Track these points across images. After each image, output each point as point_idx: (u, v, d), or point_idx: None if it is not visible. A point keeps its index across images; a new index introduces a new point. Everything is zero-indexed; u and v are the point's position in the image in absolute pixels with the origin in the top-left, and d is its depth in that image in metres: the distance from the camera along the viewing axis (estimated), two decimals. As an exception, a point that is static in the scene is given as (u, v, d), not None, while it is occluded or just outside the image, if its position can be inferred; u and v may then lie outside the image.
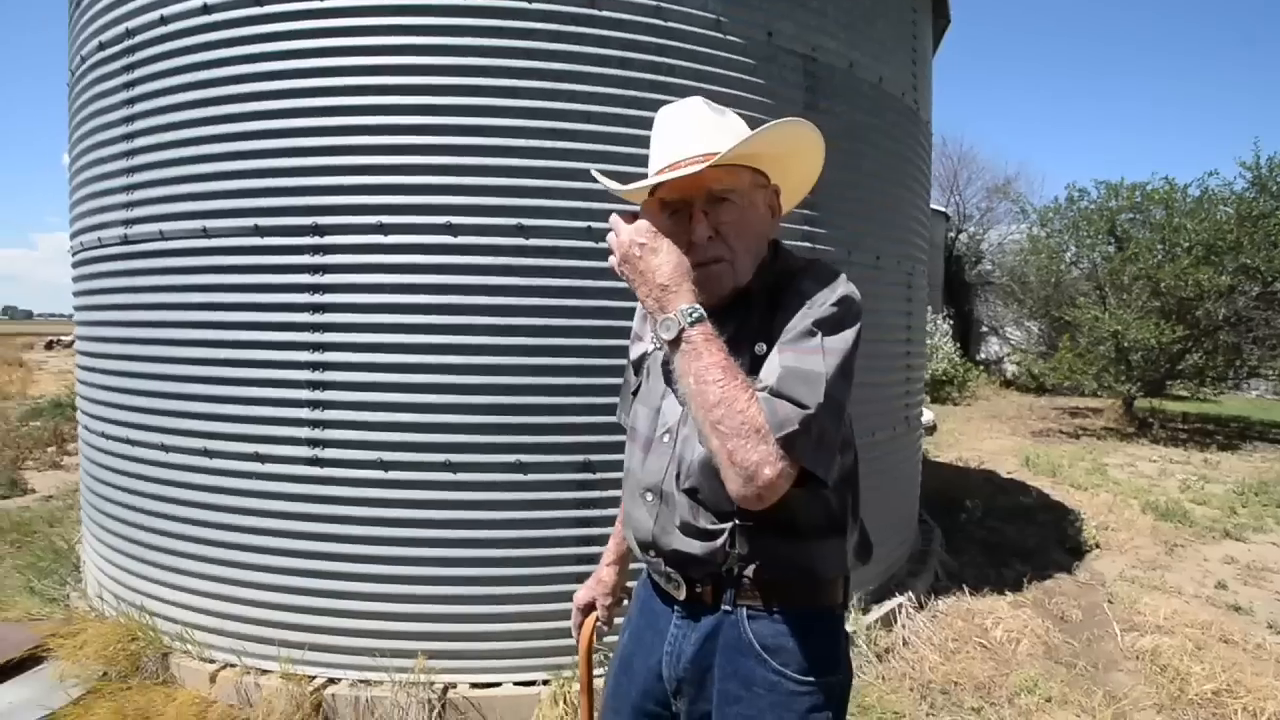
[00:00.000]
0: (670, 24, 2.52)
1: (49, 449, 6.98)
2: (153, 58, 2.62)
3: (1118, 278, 9.80)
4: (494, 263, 2.39)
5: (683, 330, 0.94)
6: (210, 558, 2.55)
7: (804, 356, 0.96)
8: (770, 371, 0.96)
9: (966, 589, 3.59)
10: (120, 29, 2.74)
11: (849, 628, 2.93)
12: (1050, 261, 10.82)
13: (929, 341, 11.93)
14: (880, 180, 3.28)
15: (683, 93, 2.52)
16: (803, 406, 0.93)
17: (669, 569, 1.09)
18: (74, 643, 2.67)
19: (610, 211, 1.12)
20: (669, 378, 1.12)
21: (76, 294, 3.19)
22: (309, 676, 2.42)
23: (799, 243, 2.85)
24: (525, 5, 2.38)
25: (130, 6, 2.70)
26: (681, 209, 1.07)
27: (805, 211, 2.87)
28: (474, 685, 2.42)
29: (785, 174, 1.15)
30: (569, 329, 2.42)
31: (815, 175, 1.21)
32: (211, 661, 2.54)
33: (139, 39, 2.67)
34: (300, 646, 2.45)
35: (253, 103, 2.43)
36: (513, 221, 2.39)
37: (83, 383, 3.15)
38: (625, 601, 1.33)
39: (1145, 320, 9.06)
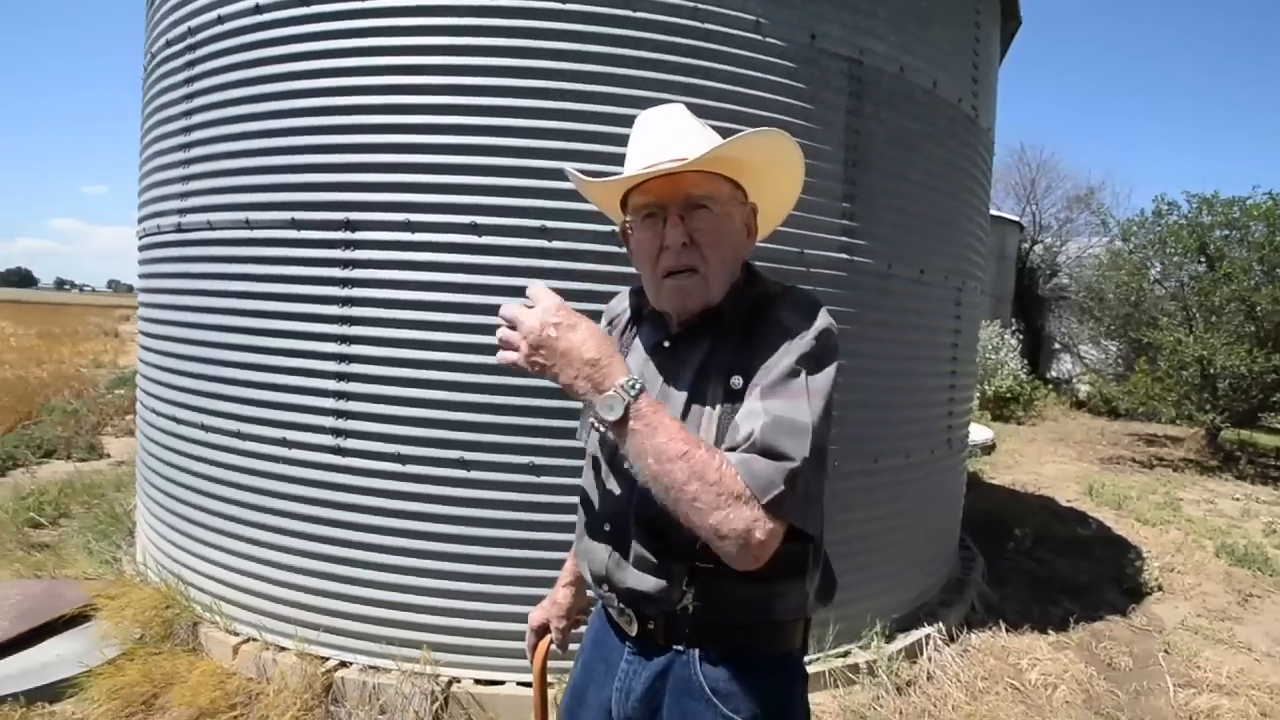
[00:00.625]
0: (707, 25, 2.46)
1: (127, 416, 7.47)
2: (209, 55, 2.75)
3: (1207, 299, 9.07)
4: (517, 263, 2.39)
5: (629, 406, 0.87)
6: (239, 535, 2.66)
7: (789, 403, 0.91)
8: (753, 417, 0.91)
9: (1004, 624, 3.39)
10: (184, 28, 2.88)
11: (868, 656, 2.81)
12: (1131, 279, 10.12)
13: (993, 357, 11.38)
14: (929, 190, 3.13)
15: (719, 97, 2.49)
16: (788, 459, 0.88)
17: (622, 604, 1.04)
18: (118, 604, 2.83)
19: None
20: (611, 458, 1.07)
21: (140, 276, 3.38)
22: (322, 658, 2.50)
23: (835, 254, 2.74)
24: (559, 5, 2.36)
25: (193, 6, 2.84)
26: (656, 213, 1.03)
27: (843, 221, 2.76)
28: (477, 681, 2.45)
29: (762, 193, 1.10)
30: (588, 333, 2.40)
31: (794, 197, 1.16)
32: (236, 634, 2.65)
33: (199, 37, 2.80)
34: (315, 628, 2.53)
35: (293, 100, 2.51)
36: (536, 223, 2.39)
37: (142, 361, 3.34)
38: (582, 626, 1.30)
39: (1236, 346, 8.36)
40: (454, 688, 2.42)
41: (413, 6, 2.39)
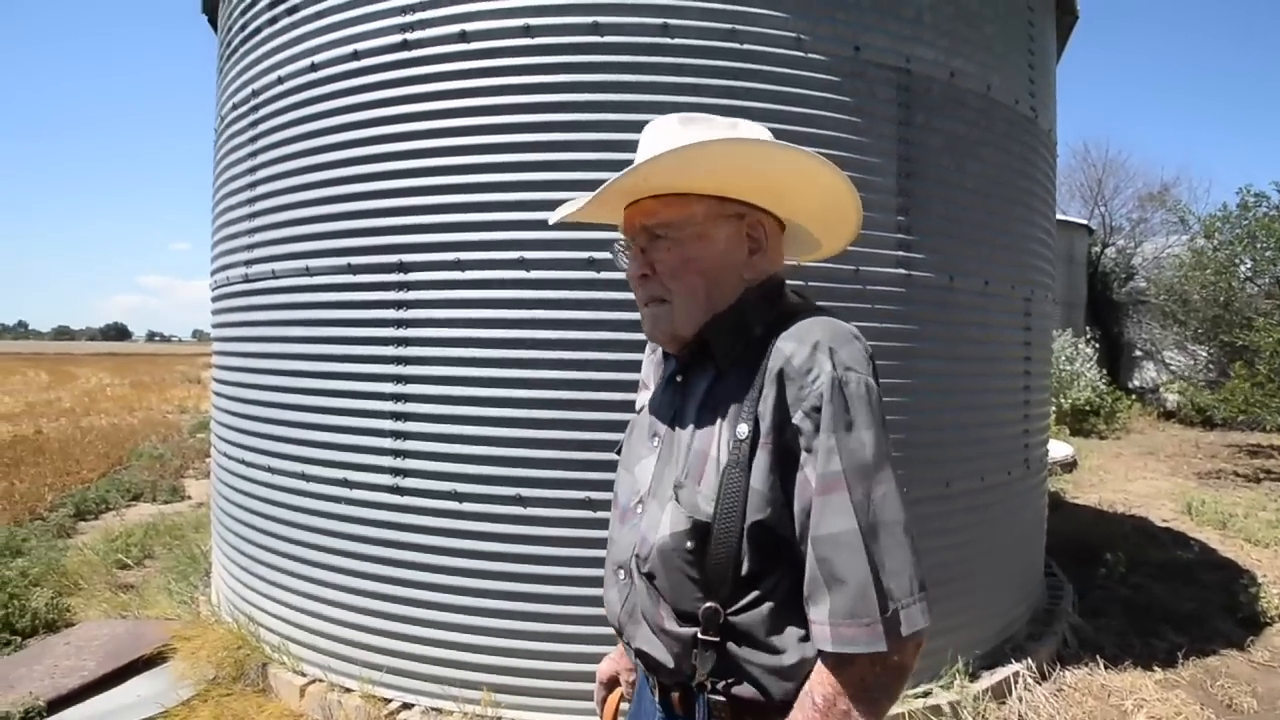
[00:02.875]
0: (746, 46, 2.43)
1: (206, 459, 7.85)
2: (271, 114, 2.89)
3: (1309, 295, 8.39)
4: (565, 296, 2.39)
5: None
6: (305, 575, 2.70)
7: (829, 517, 0.80)
8: (814, 587, 0.81)
9: (1102, 660, 3.11)
10: (248, 90, 3.04)
11: (950, 696, 2.61)
12: (1219, 277, 9.48)
13: (1069, 368, 10.77)
14: (989, 197, 2.98)
15: (762, 117, 2.43)
16: (852, 588, 0.79)
17: (638, 661, 0.97)
18: (193, 645, 2.92)
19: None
20: (627, 502, 1.00)
21: (214, 326, 3.55)
22: (385, 699, 2.49)
23: (892, 269, 2.63)
24: (596, 39, 2.38)
25: (257, 69, 3.00)
26: (632, 242, 0.99)
27: (898, 235, 2.65)
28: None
29: (783, 200, 0.97)
30: (639, 364, 2.35)
31: (841, 199, 0.97)
32: (303, 675, 2.68)
33: (261, 98, 2.95)
34: (379, 668, 2.53)
35: (346, 150, 2.61)
36: (583, 255, 2.38)
37: (215, 406, 3.49)
38: None
39: (1346, 345, 7.67)
40: (517, 731, 2.36)
41: (455, 53, 2.45)
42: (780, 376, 0.84)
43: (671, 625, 0.90)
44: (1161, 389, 13.73)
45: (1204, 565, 4.67)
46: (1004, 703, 2.71)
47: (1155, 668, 3.15)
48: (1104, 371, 11.73)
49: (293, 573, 2.74)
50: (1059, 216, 5.09)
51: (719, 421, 0.89)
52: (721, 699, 0.88)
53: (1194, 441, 10.61)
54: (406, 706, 2.48)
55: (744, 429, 0.85)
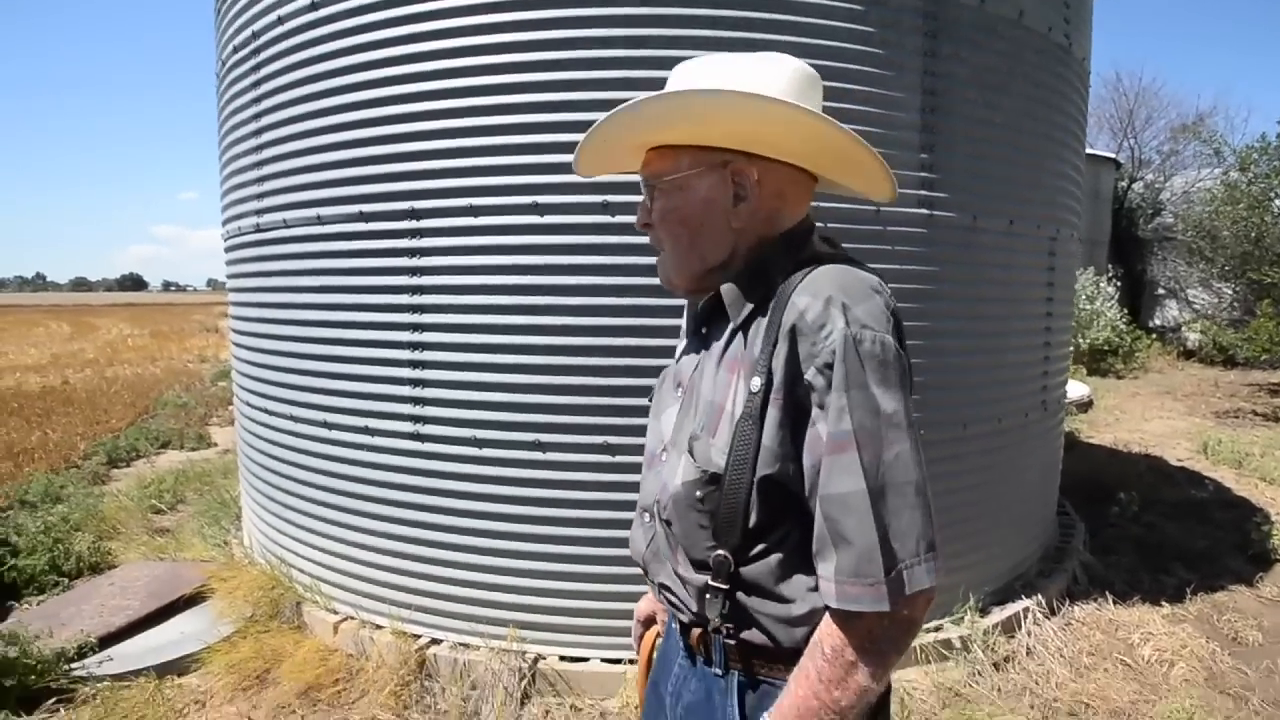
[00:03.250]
0: (765, -26, 2.30)
1: (229, 407, 8.01)
2: (272, 57, 2.81)
3: (1343, 230, 8.11)
4: (580, 241, 2.36)
5: None
6: (332, 519, 2.79)
7: (836, 477, 0.80)
8: (820, 541, 0.82)
9: (1111, 596, 3.17)
10: (248, 32, 2.95)
11: (961, 631, 2.69)
12: (1251, 213, 9.15)
13: (1089, 307, 10.59)
14: (1017, 133, 2.87)
15: (779, 49, 2.32)
16: (854, 548, 0.79)
17: (662, 598, 1.01)
18: (230, 585, 3.05)
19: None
20: (653, 449, 1.02)
21: (228, 276, 3.56)
22: (415, 635, 2.60)
23: (913, 209, 2.56)
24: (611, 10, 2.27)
25: (256, 9, 2.90)
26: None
27: (921, 174, 2.57)
28: (562, 658, 2.49)
29: (780, 149, 0.92)
30: (655, 308, 2.34)
31: (834, 139, 0.90)
32: (335, 613, 2.80)
33: (262, 40, 2.86)
34: (408, 607, 2.63)
35: (353, 93, 2.54)
36: (598, 199, 2.33)
37: (235, 357, 3.54)
38: None
39: (1379, 281, 7.46)
40: (540, 664, 2.47)
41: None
42: (793, 331, 0.83)
43: (685, 570, 0.93)
44: (1184, 328, 13.51)
45: (1217, 504, 4.69)
46: (1013, 637, 2.79)
47: (1163, 603, 3.21)
48: (1124, 311, 11.54)
49: (321, 517, 2.83)
50: (1086, 150, 4.89)
51: (734, 374, 0.89)
52: (732, 643, 0.91)
53: (1213, 380, 10.50)
54: (435, 642, 2.59)
55: (757, 382, 0.85)
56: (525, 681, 2.42)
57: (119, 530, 3.99)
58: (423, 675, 2.50)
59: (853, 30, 2.40)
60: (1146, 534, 4.07)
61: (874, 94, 2.44)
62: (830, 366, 0.80)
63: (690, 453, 0.90)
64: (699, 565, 0.91)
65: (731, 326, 0.92)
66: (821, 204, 2.40)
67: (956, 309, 2.71)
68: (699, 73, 0.93)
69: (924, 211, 2.59)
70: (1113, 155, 15.74)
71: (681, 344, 1.10)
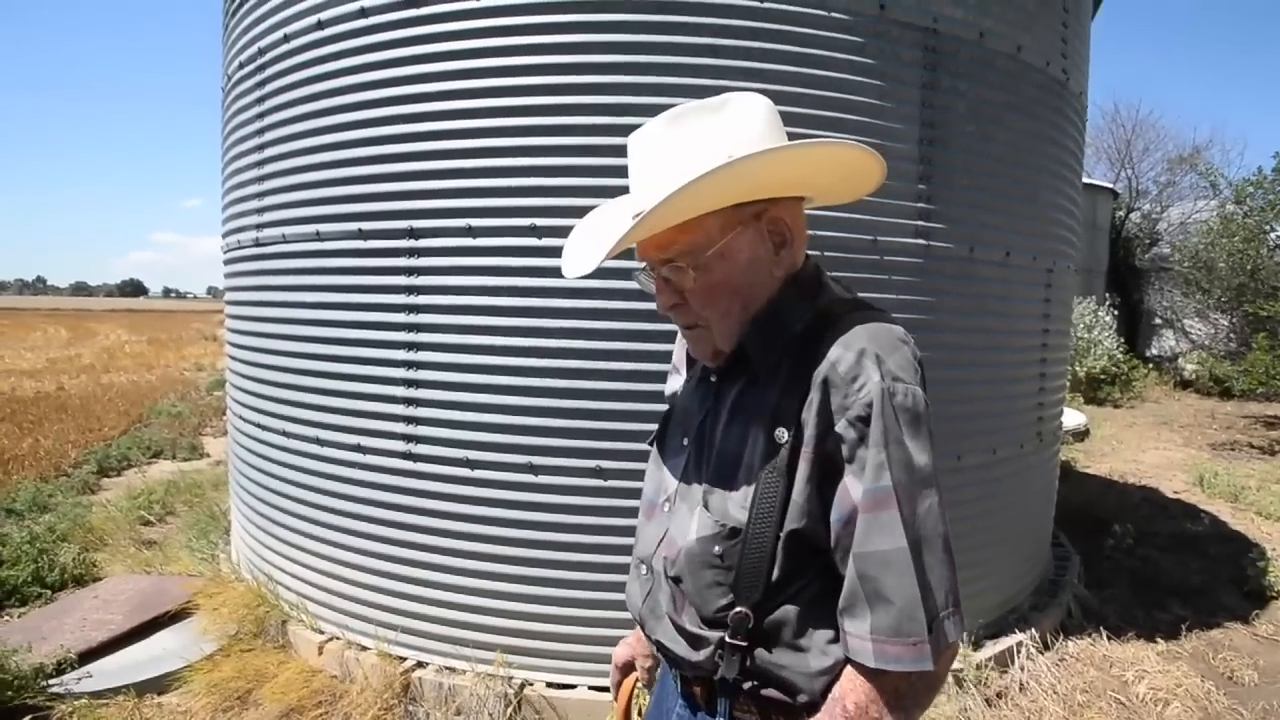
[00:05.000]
0: (766, 4, 2.33)
1: (224, 417, 7.98)
2: (278, 74, 2.83)
3: (1338, 265, 8.17)
4: (577, 265, 2.35)
5: None
6: (321, 537, 2.76)
7: (874, 536, 0.78)
8: (852, 595, 0.80)
9: (1105, 631, 3.14)
10: (254, 49, 2.98)
11: (956, 665, 2.65)
12: (1247, 245, 9.23)
13: (1087, 335, 10.62)
14: (1014, 165, 2.89)
15: (780, 80, 2.36)
16: (896, 607, 0.77)
17: (659, 654, 0.98)
18: (215, 601, 3.01)
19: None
20: (653, 498, 0.98)
21: (226, 289, 3.56)
22: (400, 658, 2.56)
23: (910, 239, 2.57)
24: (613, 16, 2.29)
25: (262, 27, 2.93)
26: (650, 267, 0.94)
27: (918, 205, 2.58)
28: (549, 685, 2.45)
29: (798, 186, 0.91)
30: (651, 334, 2.34)
31: (858, 164, 0.91)
32: (321, 633, 2.76)
33: (268, 57, 2.89)
34: (394, 628, 2.59)
35: (356, 112, 2.55)
36: (595, 223, 2.34)
37: (230, 370, 3.52)
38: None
39: (1374, 316, 7.49)
40: (526, 690, 2.43)
41: (463, 11, 2.37)
42: (825, 384, 0.81)
43: (695, 627, 0.90)
44: (1180, 358, 13.55)
45: (1213, 538, 4.67)
46: (1006, 672, 2.75)
47: (1158, 639, 3.18)
48: (1122, 340, 11.58)
49: (309, 534, 2.80)
50: (1084, 180, 4.94)
51: (753, 425, 0.87)
52: (745, 698, 0.88)
53: (1210, 411, 10.51)
54: (421, 665, 2.55)
55: (783, 433, 0.83)
56: (511, 708, 2.39)
57: (106, 541, 3.95)
58: (407, 699, 2.46)
59: (852, 62, 2.43)
60: (1141, 567, 4.05)
61: (872, 124, 2.46)
62: (863, 420, 0.79)
63: (705, 507, 0.88)
64: (712, 623, 0.88)
65: (748, 377, 0.90)
66: (819, 232, 2.41)
67: (952, 339, 2.71)
68: (680, 131, 0.87)
69: (921, 242, 2.60)
70: (1110, 185, 15.88)
71: (677, 380, 1.08)
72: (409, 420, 2.53)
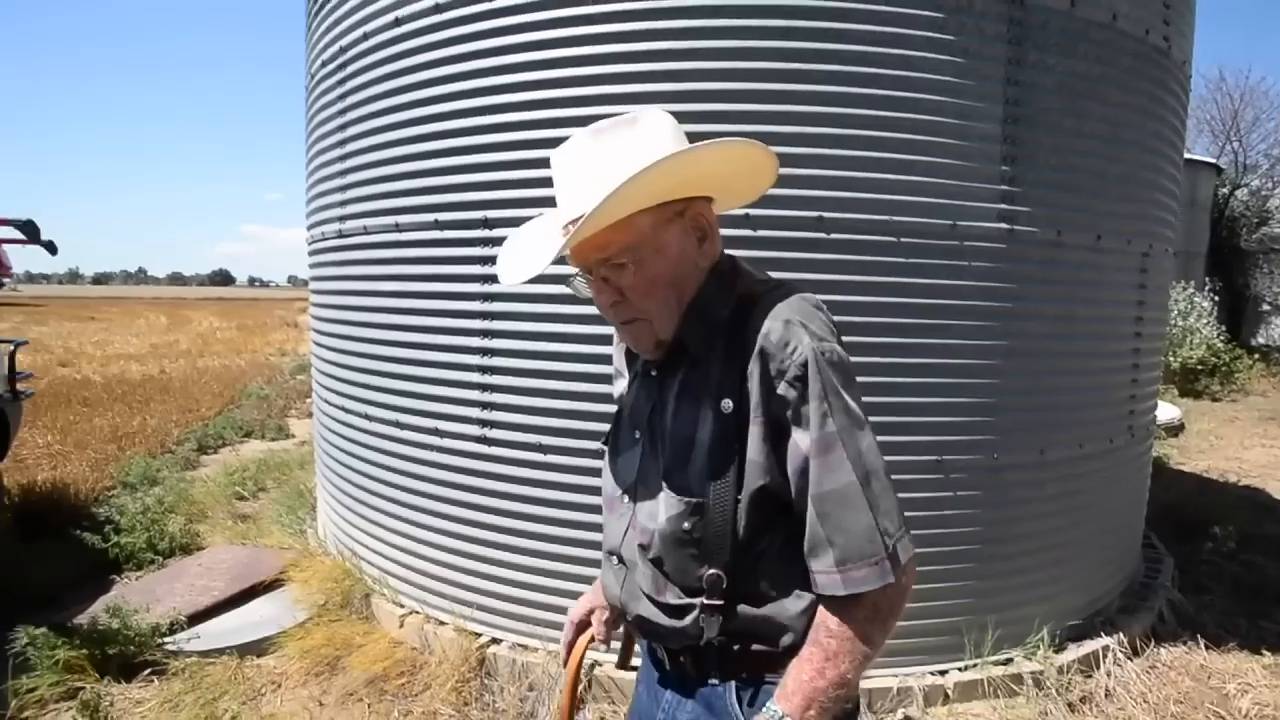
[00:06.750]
0: (842, -16, 2.27)
1: (307, 400, 8.43)
2: (359, 71, 2.95)
3: None
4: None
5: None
6: (400, 516, 2.90)
7: (826, 475, 0.87)
8: (813, 535, 0.89)
9: (1203, 639, 2.95)
10: (336, 47, 3.11)
11: (1033, 666, 2.56)
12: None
13: (1182, 323, 9.90)
14: (1108, 142, 2.72)
15: (853, 61, 2.30)
16: (854, 533, 0.87)
17: (642, 634, 1.04)
18: (305, 573, 3.21)
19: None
20: (610, 494, 1.06)
21: (311, 279, 3.75)
22: (476, 634, 2.67)
23: (992, 224, 2.46)
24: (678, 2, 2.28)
25: (343, 25, 3.05)
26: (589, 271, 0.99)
27: (1001, 187, 2.47)
28: (617, 666, 2.50)
29: (713, 184, 0.99)
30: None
31: (756, 162, 1.01)
32: (401, 606, 2.90)
33: (349, 54, 3.01)
34: (469, 605, 2.70)
35: (433, 106, 2.64)
36: (665, 211, 2.34)
37: (315, 356, 3.72)
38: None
39: None
40: (596, 671, 2.49)
41: (533, 2, 2.41)
42: (762, 353, 0.89)
43: (675, 599, 0.97)
44: (1291, 348, 12.45)
45: (1328, 544, 4.30)
46: (1090, 676, 2.63)
47: (1264, 652, 2.96)
48: (1222, 328, 10.74)
49: (390, 513, 2.94)
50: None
51: (700, 405, 0.95)
52: (733, 660, 0.96)
53: (1326, 406, 9.63)
54: (495, 641, 2.65)
55: (729, 403, 0.91)
56: (581, 687, 2.45)
57: (206, 514, 4.27)
58: (482, 673, 2.57)
59: (932, 39, 2.33)
60: (1244, 573, 3.77)
61: (947, 103, 2.36)
62: (800, 379, 0.88)
63: (669, 488, 0.96)
64: (691, 591, 0.96)
65: (689, 362, 0.97)
66: (895, 218, 2.34)
67: (1037, 328, 2.59)
68: (604, 145, 0.95)
69: (1004, 226, 2.48)
70: (1213, 160, 14.68)
71: (622, 383, 1.14)
72: (484, 405, 2.61)
